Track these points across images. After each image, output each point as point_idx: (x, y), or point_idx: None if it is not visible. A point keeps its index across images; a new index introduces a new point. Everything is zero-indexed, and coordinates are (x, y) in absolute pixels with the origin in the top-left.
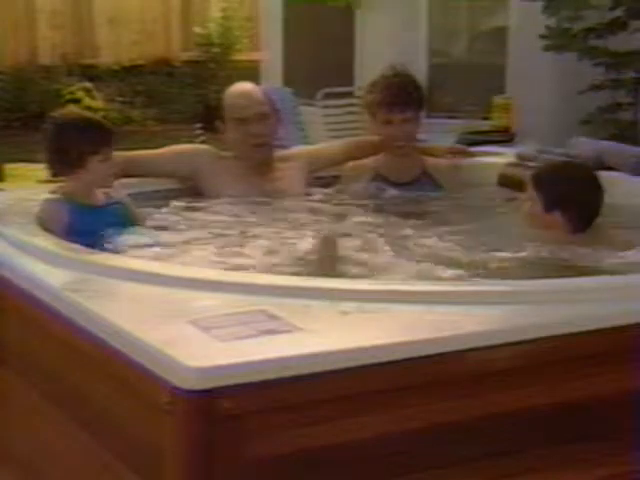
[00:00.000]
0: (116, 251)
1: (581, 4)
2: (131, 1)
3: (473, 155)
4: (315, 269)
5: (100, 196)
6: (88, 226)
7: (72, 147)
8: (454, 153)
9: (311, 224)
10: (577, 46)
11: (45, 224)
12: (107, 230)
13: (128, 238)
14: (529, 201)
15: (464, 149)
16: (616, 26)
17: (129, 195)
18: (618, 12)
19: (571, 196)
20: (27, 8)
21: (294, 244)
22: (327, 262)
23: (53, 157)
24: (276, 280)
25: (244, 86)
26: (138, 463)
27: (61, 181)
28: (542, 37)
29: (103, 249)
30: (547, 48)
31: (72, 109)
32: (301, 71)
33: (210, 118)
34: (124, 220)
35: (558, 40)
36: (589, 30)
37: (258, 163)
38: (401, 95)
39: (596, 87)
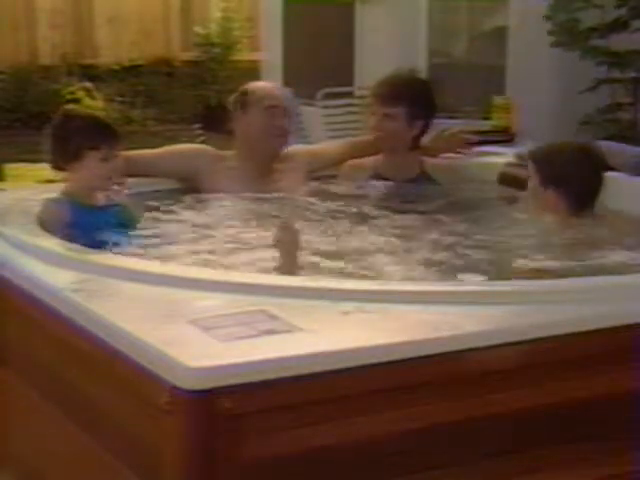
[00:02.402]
0: (116, 251)
1: (586, 3)
2: (131, 1)
3: (471, 154)
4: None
5: (101, 197)
6: (88, 226)
7: (72, 138)
8: (454, 152)
9: (310, 223)
10: (580, 45)
11: (45, 224)
12: (107, 231)
13: (127, 239)
14: (529, 181)
15: (466, 138)
16: (618, 25)
17: (128, 196)
18: (621, 11)
19: (565, 172)
20: (27, 8)
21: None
22: (287, 252)
23: (54, 147)
24: (276, 280)
25: (267, 83)
26: (138, 463)
27: (61, 181)
28: (550, 33)
29: (103, 249)
30: (555, 44)
31: (82, 108)
32: (301, 71)
33: (210, 118)
34: (124, 222)
35: (565, 37)
36: (591, 29)
37: (259, 162)
38: (388, 89)
39: (598, 83)
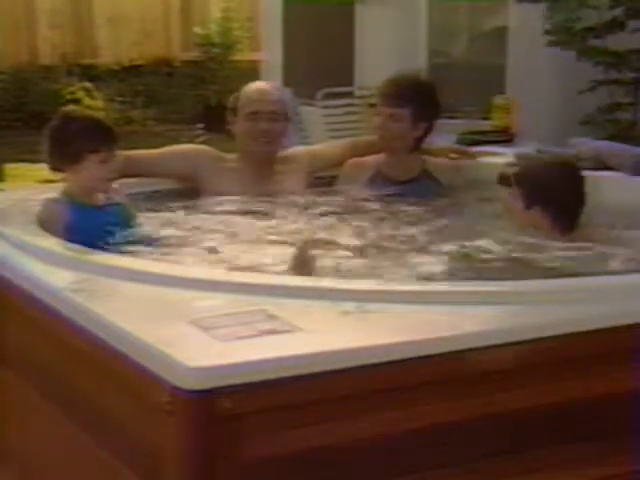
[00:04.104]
0: (116, 251)
1: (581, 4)
2: (131, 1)
3: (474, 156)
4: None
5: (100, 197)
6: (88, 226)
7: (72, 141)
8: (457, 153)
9: (311, 224)
10: (577, 45)
11: (45, 224)
12: (107, 230)
13: (127, 239)
14: (511, 197)
15: (466, 150)
16: (615, 26)
17: (128, 195)
18: (617, 12)
19: (549, 193)
20: (27, 8)
21: (293, 244)
22: (302, 267)
23: (53, 149)
24: (276, 280)
25: (262, 84)
26: (138, 463)
27: (61, 181)
28: (546, 33)
29: (103, 249)
30: (551, 44)
31: (82, 110)
32: (301, 71)
33: (210, 118)
34: (124, 221)
35: (562, 37)
36: (588, 30)
37: (259, 164)
38: (394, 90)
39: (596, 84)
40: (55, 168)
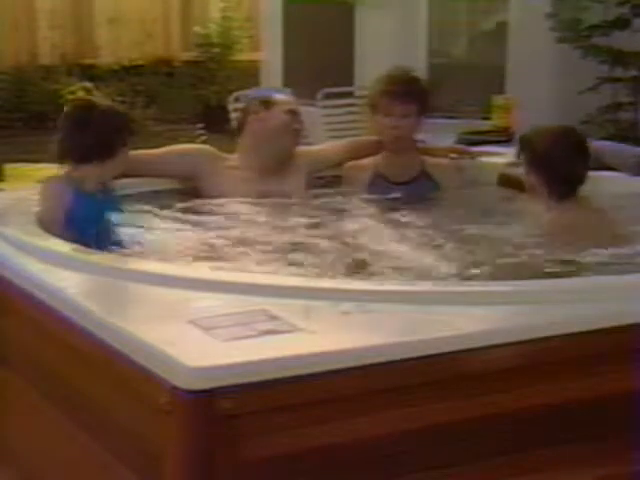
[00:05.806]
0: (116, 251)
1: (590, 2)
2: (131, 1)
3: (473, 156)
4: None
5: (99, 186)
6: (89, 214)
7: (114, 136)
8: (456, 153)
9: (311, 225)
10: (582, 43)
11: (45, 209)
12: (107, 219)
13: (127, 233)
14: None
15: (466, 150)
16: (619, 24)
17: (128, 196)
18: (623, 9)
19: (547, 156)
20: (27, 8)
21: (294, 244)
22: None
23: (87, 141)
24: (276, 280)
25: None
26: (138, 463)
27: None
28: (553, 29)
29: (103, 238)
30: (560, 41)
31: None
32: (301, 71)
33: (210, 118)
34: (119, 208)
35: (568, 33)
36: (593, 27)
37: (264, 163)
38: (404, 87)
39: (600, 82)
40: (79, 159)
